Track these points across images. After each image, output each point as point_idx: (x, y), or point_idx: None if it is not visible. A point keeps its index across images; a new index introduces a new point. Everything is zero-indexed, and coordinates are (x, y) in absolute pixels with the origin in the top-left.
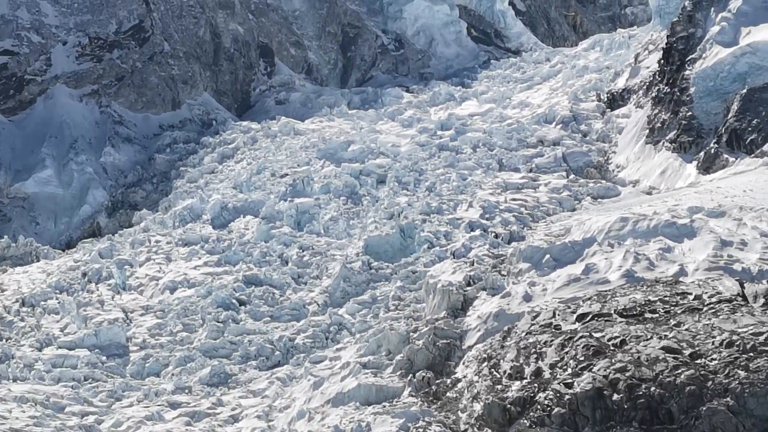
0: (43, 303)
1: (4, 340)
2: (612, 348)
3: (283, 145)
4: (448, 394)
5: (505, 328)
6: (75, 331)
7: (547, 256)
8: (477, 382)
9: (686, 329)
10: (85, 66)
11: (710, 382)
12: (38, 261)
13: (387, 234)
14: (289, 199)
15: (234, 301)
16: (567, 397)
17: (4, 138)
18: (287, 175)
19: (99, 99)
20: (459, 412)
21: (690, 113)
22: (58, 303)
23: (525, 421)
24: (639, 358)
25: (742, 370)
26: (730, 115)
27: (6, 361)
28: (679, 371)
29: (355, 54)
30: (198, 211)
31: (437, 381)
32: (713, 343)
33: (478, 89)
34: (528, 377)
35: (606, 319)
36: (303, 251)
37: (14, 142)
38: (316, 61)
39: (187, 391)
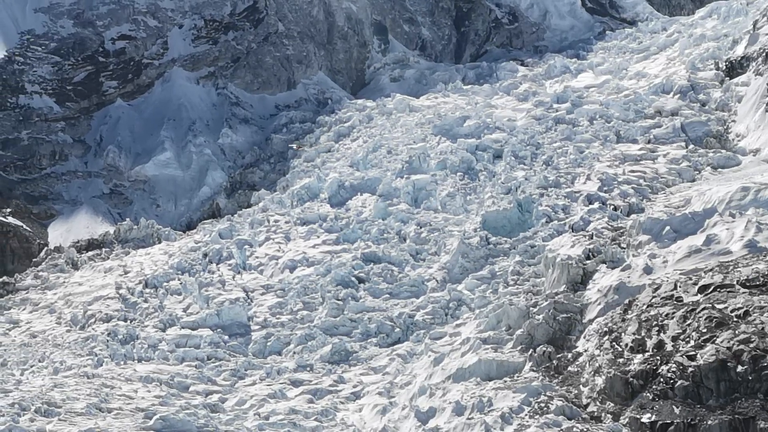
0: (165, 284)
1: (128, 321)
2: (735, 319)
3: (399, 122)
4: (569, 368)
5: (626, 301)
6: (197, 311)
7: (668, 227)
8: (598, 355)
9: None
10: (201, 48)
11: None
12: (160, 243)
13: (504, 209)
14: (405, 176)
15: (353, 278)
16: (690, 369)
17: (124, 122)
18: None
19: (215, 81)
20: (581, 386)
21: None
22: (181, 284)
23: (648, 394)
24: (763, 329)
25: None
26: None
27: (131, 342)
28: None
29: (468, 29)
30: (315, 190)
31: (558, 355)
32: None
33: (594, 61)
34: (650, 350)
35: (728, 290)
36: (420, 228)
37: (133, 126)
38: (430, 37)
39: (308, 368)
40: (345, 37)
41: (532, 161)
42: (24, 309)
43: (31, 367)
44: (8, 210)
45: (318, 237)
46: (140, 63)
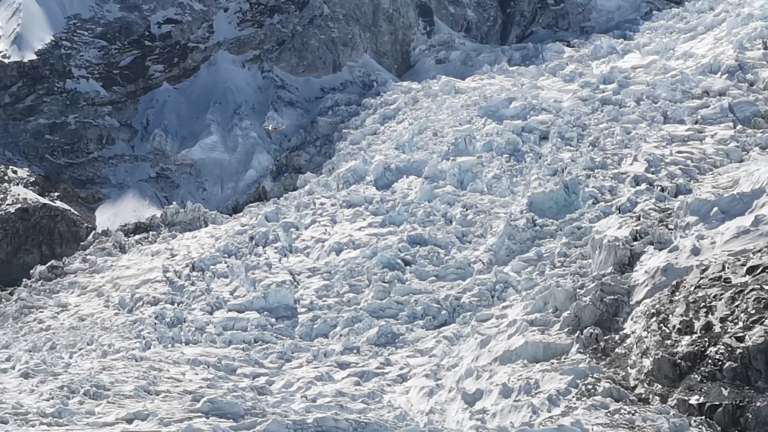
0: (212, 267)
1: (176, 305)
2: None
3: (445, 104)
4: (616, 350)
5: (674, 283)
6: (244, 294)
7: (715, 208)
8: (646, 337)
9: None
10: (247, 32)
11: None
12: (206, 226)
13: (551, 190)
14: (451, 158)
15: (399, 261)
16: (738, 351)
17: (170, 106)
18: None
19: (261, 64)
20: (628, 368)
21: None
22: (227, 267)
23: (696, 376)
24: None
25: None
26: None
27: (178, 325)
28: None
29: (514, 10)
30: (361, 173)
31: (605, 337)
32: None
33: (641, 41)
34: (698, 332)
35: None
36: (467, 210)
37: (180, 110)
38: (476, 18)
39: (355, 351)
40: (390, 19)
41: (578, 142)
42: (72, 292)
43: (80, 350)
44: (56, 194)
45: (364, 219)
46: (186, 47)
